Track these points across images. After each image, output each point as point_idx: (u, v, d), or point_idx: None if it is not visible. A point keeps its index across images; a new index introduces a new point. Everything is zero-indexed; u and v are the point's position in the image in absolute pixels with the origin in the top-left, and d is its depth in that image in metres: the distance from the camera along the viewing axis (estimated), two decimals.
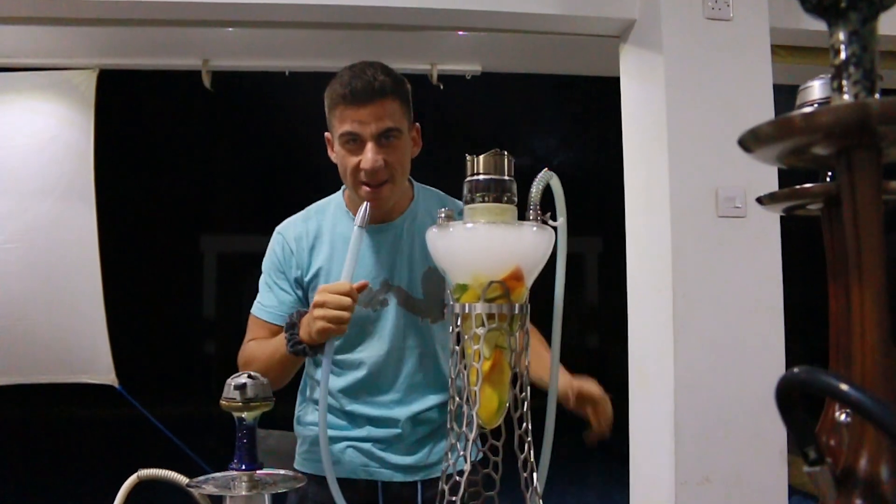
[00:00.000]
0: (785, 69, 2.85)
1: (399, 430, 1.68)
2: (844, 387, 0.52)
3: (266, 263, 1.75)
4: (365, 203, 1.42)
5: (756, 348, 2.49)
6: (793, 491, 2.69)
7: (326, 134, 1.65)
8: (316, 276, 1.68)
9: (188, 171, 11.56)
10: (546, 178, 1.10)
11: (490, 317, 1.03)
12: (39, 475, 6.60)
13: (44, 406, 8.69)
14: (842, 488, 0.59)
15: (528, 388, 1.08)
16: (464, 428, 1.03)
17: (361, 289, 1.46)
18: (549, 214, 1.08)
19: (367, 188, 1.58)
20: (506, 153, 1.09)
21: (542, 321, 1.33)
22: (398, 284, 1.66)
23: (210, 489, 1.12)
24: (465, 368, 1.05)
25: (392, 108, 1.56)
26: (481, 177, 1.07)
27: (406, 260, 1.67)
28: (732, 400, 2.46)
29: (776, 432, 2.46)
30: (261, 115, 9.81)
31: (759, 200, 0.98)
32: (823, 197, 0.89)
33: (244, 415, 1.13)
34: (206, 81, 3.59)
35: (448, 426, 1.07)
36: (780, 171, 2.60)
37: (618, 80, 3.02)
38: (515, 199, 1.08)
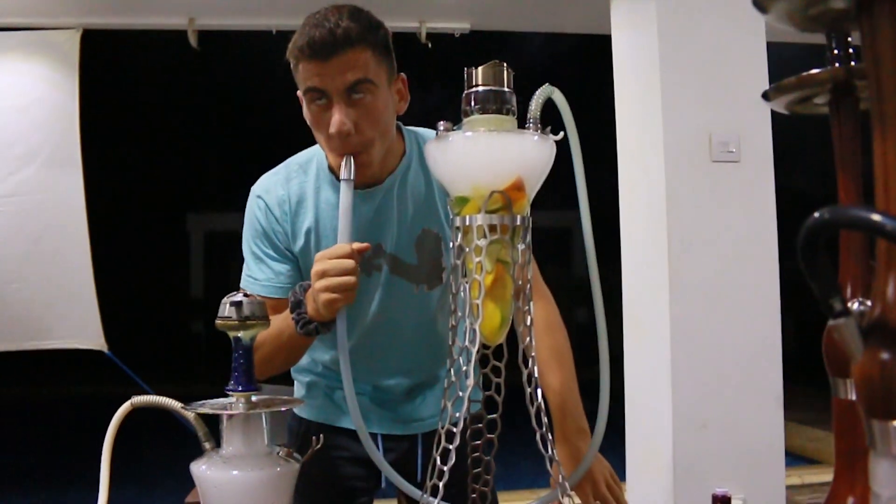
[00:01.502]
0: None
1: (396, 396, 1.62)
2: (877, 217, 0.50)
3: (248, 231, 1.54)
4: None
5: (751, 292, 2.49)
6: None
7: (298, 92, 1.42)
8: (306, 243, 1.50)
9: (177, 133, 11.41)
10: (547, 92, 1.07)
11: (492, 228, 1.01)
12: (27, 448, 6.59)
13: (32, 379, 8.66)
14: (868, 340, 0.57)
15: (531, 303, 1.07)
16: (466, 343, 1.01)
17: (363, 251, 1.29)
18: (548, 129, 1.05)
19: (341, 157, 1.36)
20: (505, 64, 1.06)
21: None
22: (389, 251, 1.50)
23: (207, 410, 1.09)
24: (466, 283, 1.03)
25: (362, 59, 1.32)
26: (480, 88, 1.04)
27: (395, 224, 1.49)
28: (728, 345, 2.46)
29: (772, 376, 2.47)
30: (249, 79, 9.64)
31: (765, 95, 0.96)
32: (831, 83, 0.87)
33: (240, 334, 1.10)
34: (193, 40, 3.53)
35: (449, 344, 1.05)
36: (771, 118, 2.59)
37: (606, 38, 2.99)
38: (515, 111, 1.05)
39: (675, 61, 2.54)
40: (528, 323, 1.05)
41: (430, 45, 3.71)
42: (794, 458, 5.54)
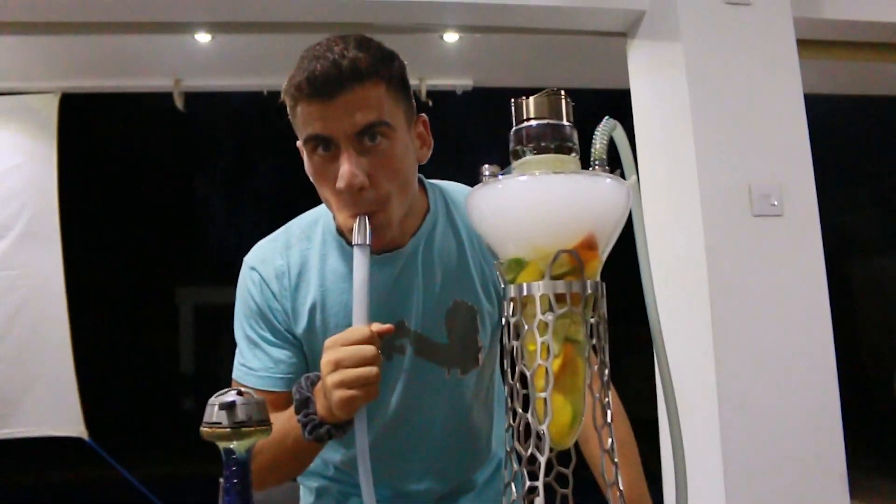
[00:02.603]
0: (807, 69, 2.58)
1: (425, 501, 1.36)
2: None
3: (241, 310, 1.28)
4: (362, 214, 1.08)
5: (804, 358, 2.26)
6: None
7: (298, 142, 1.16)
8: (310, 323, 1.24)
9: (163, 202, 11.14)
10: (609, 128, 0.86)
11: (559, 299, 0.77)
12: None
13: (8, 467, 8.24)
14: None
15: (611, 393, 0.83)
16: (532, 450, 0.76)
17: (385, 333, 1.04)
18: (618, 172, 0.83)
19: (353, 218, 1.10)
20: (563, 92, 0.84)
21: None
22: (413, 328, 1.25)
23: None
24: (527, 371, 0.79)
25: (375, 96, 1.07)
26: (533, 122, 0.82)
27: (421, 295, 1.24)
28: (783, 418, 2.21)
29: (833, 451, 2.21)
30: (240, 142, 9.43)
31: None
32: None
33: (233, 444, 0.84)
34: (179, 103, 3.37)
35: (507, 450, 0.81)
36: (815, 166, 2.39)
37: (617, 91, 2.83)
38: (578, 151, 0.83)
39: (708, 107, 2.35)
40: (609, 419, 0.81)
41: (430, 103, 3.57)
42: None
